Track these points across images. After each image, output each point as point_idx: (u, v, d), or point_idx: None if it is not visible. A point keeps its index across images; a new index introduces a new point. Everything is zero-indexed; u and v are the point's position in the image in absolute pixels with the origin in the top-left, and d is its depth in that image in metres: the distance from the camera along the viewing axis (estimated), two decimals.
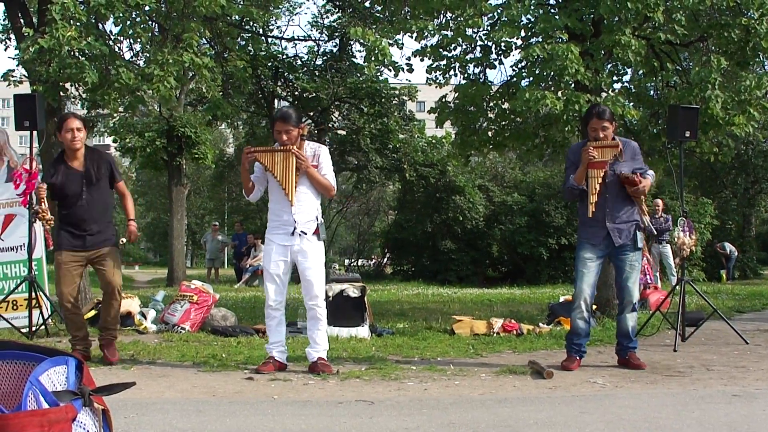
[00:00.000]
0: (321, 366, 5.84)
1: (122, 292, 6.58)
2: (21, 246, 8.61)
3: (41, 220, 6.48)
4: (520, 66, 9.95)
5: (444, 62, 9.82)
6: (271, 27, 23.00)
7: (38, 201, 6.37)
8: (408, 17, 9.76)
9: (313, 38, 24.00)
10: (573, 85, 8.93)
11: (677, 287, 7.95)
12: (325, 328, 6.05)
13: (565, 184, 6.33)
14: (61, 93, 9.38)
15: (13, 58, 9.53)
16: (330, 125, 24.54)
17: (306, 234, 5.89)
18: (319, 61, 23.86)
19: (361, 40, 9.35)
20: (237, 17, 17.43)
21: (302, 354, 6.20)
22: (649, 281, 12.23)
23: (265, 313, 6.04)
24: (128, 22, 9.07)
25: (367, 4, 19.71)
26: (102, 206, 6.36)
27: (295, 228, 5.87)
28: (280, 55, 23.10)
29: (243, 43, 19.06)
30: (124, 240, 6.47)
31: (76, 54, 8.62)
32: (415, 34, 9.38)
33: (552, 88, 8.95)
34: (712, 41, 9.41)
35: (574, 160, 6.22)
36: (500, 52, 9.82)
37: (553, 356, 6.69)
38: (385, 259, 27.77)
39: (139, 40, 9.64)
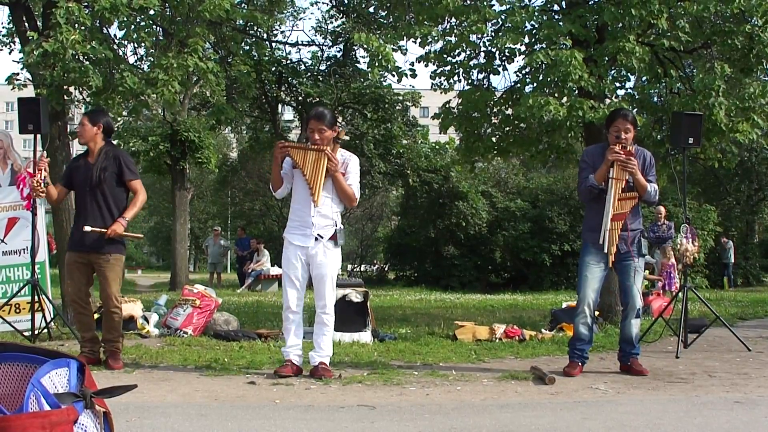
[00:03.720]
0: (322, 370, 5.82)
1: (120, 302, 6.45)
2: (24, 249, 8.62)
3: (35, 191, 6.44)
4: (523, 72, 9.96)
5: (448, 68, 9.82)
6: (275, 32, 23.05)
7: (36, 170, 6.36)
8: (412, 23, 9.77)
9: (317, 43, 24.06)
10: (576, 92, 8.94)
11: (680, 294, 7.95)
12: (330, 335, 6.02)
13: (581, 185, 6.30)
14: (65, 97, 9.39)
15: (18, 62, 9.55)
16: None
17: (322, 238, 5.87)
18: (322, 66, 23.91)
19: (365, 46, 9.34)
20: (241, 22, 17.48)
21: (306, 359, 6.19)
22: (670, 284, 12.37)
23: (284, 316, 5.98)
24: (132, 27, 9.09)
25: (371, 9, 19.78)
26: (106, 206, 6.24)
27: (314, 230, 5.84)
28: (284, 60, 23.13)
29: (247, 47, 19.09)
30: (88, 228, 6.06)
31: (80, 58, 8.64)
32: (419, 40, 9.38)
33: (555, 95, 8.95)
34: (716, 48, 9.42)
35: (590, 162, 6.22)
36: (504, 58, 9.84)
37: (555, 362, 6.69)
38: (387, 266, 27.74)
39: (143, 44, 9.66)
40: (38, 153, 8.14)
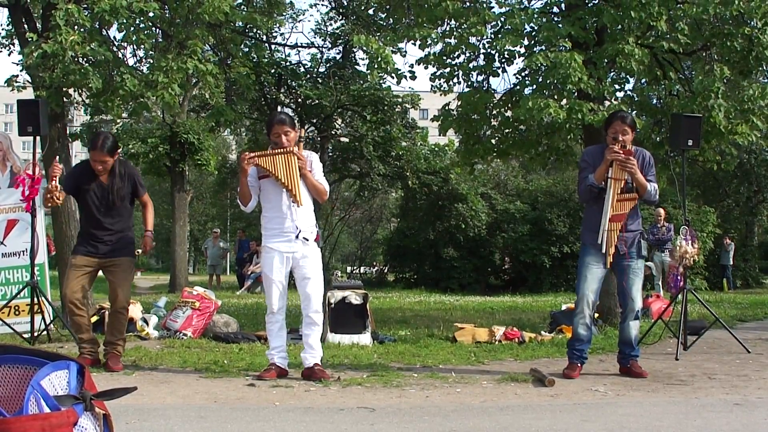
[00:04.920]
0: (318, 372, 5.84)
1: (128, 304, 6.59)
2: (23, 251, 8.62)
3: (49, 198, 6.46)
4: (523, 74, 9.95)
5: (447, 70, 9.82)
6: (274, 34, 23.04)
7: (49, 179, 6.44)
8: (411, 25, 9.78)
9: (317, 45, 24.06)
10: (576, 94, 8.94)
11: (679, 296, 7.95)
12: (319, 333, 6.09)
13: (581, 185, 6.30)
14: (65, 98, 9.39)
15: (17, 64, 9.55)
16: (333, 132, 24.55)
17: (308, 240, 5.90)
18: (322, 69, 23.89)
19: (364, 48, 9.35)
20: (241, 24, 17.46)
21: (299, 360, 6.19)
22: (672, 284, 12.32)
23: (267, 319, 6.05)
24: (132, 29, 9.08)
25: (370, 11, 19.77)
26: (120, 219, 6.43)
27: (298, 234, 5.86)
28: (284, 62, 23.12)
29: (246, 49, 19.08)
30: (140, 251, 6.52)
31: (80, 60, 8.63)
32: (418, 42, 9.39)
33: (555, 97, 8.95)
34: (715, 50, 9.42)
35: (591, 162, 6.22)
36: (503, 61, 9.83)
37: (554, 364, 6.68)
38: (386, 268, 27.70)
39: (142, 46, 9.65)
40: (38, 155, 8.16)
